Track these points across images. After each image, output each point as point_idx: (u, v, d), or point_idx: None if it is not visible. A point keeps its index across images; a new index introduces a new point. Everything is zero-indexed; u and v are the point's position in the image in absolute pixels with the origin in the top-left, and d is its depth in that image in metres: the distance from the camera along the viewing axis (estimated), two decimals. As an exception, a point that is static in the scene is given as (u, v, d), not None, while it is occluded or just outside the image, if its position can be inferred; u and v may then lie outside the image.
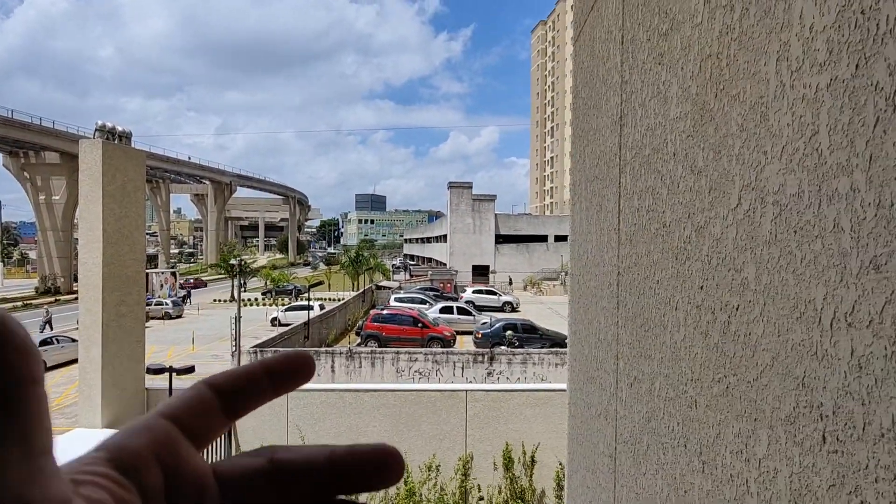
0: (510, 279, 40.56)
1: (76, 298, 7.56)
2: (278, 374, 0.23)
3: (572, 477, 1.64)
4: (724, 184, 0.63)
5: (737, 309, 0.61)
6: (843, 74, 0.43)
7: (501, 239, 44.92)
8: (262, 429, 7.49)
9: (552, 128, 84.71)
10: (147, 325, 7.99)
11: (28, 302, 37.73)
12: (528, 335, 19.17)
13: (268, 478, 0.22)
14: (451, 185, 45.24)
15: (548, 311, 29.36)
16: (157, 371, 7.95)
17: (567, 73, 76.70)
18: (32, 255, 61.35)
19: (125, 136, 35.60)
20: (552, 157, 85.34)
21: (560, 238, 45.32)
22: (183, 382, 8.05)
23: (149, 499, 0.19)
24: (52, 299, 39.31)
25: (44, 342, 18.52)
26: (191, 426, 0.21)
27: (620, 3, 1.10)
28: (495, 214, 45.16)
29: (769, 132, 0.53)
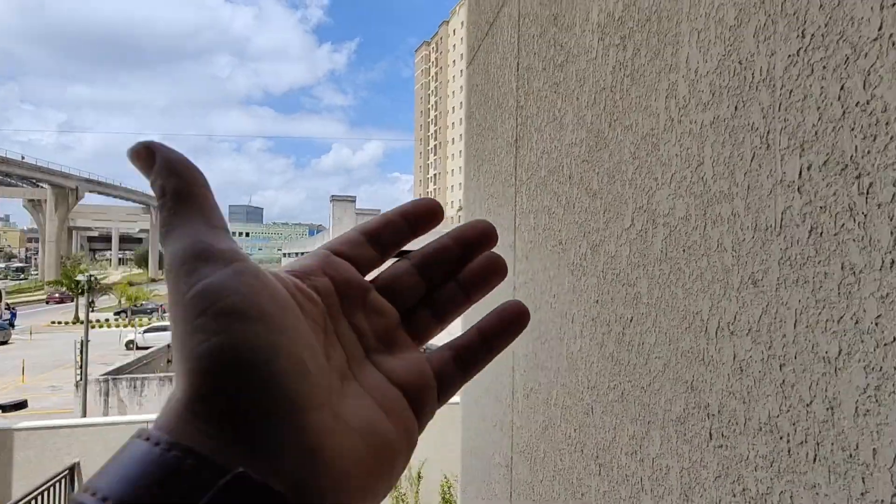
0: None
1: None
2: (411, 216, 0.29)
3: (466, 490, 1.66)
4: (617, 206, 0.69)
5: (630, 320, 0.66)
6: (724, 114, 0.49)
7: (385, 254, 44.81)
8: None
9: (435, 146, 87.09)
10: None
11: None
12: (413, 350, 19.29)
13: (417, 269, 0.29)
14: (334, 199, 44.34)
15: (431, 325, 29.69)
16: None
17: (450, 94, 79.55)
18: None
19: (-65, 128, 29.63)
20: (435, 175, 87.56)
21: (443, 253, 46.37)
22: (11, 420, 6.79)
23: (321, 294, 0.25)
24: None
25: None
26: (346, 254, 0.27)
27: (516, 32, 1.17)
28: (380, 229, 45.04)
29: (659, 161, 0.59)
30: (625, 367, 0.67)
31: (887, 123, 0.34)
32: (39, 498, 5.38)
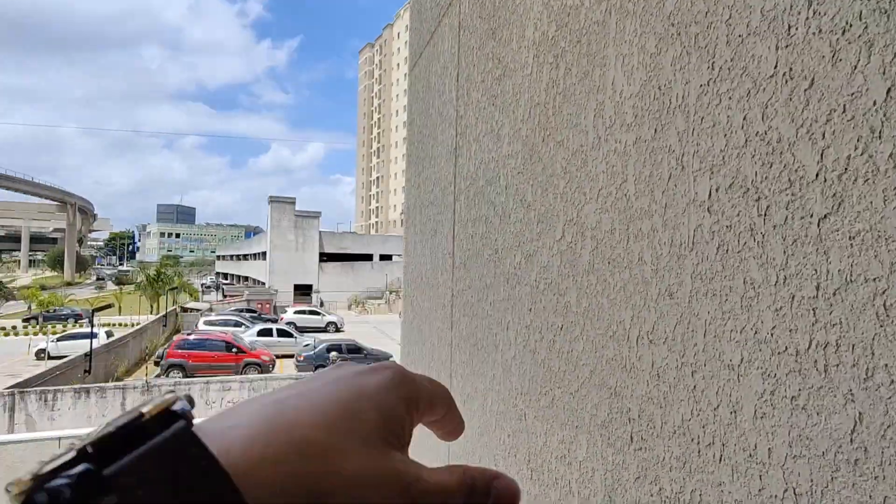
0: (320, 301, 39.52)
1: None
2: None
3: (403, 497, 1.66)
4: (550, 218, 0.72)
5: (561, 329, 0.69)
6: (645, 135, 0.53)
7: (326, 257, 43.96)
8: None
9: (378, 149, 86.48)
10: None
11: None
12: (354, 355, 19.01)
13: None
14: (273, 200, 42.96)
15: (373, 330, 29.48)
16: None
17: (394, 97, 79.33)
18: None
19: None
20: (378, 178, 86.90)
21: (385, 257, 46.12)
22: None
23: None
24: None
25: None
26: None
27: (456, 43, 1.19)
28: (320, 232, 44.09)
29: (588, 176, 0.62)
30: (555, 374, 0.70)
31: (781, 153, 0.38)
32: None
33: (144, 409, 0.19)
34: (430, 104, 1.43)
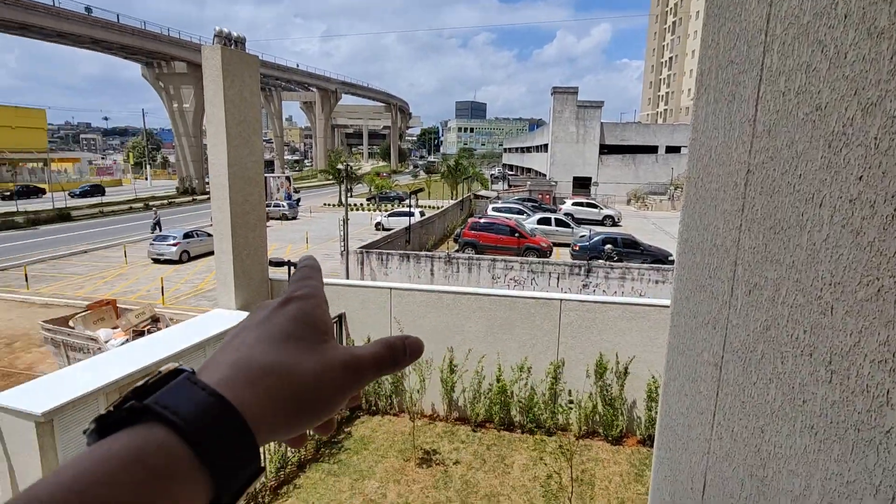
0: (596, 194, 38.26)
1: (209, 198, 8.41)
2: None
3: (669, 385, 1.61)
4: (915, 44, 0.51)
5: (908, 200, 0.51)
6: None
7: (606, 149, 42.28)
8: (368, 321, 8.21)
9: (673, 23, 74.93)
10: (267, 224, 8.79)
11: (172, 200, 42.95)
12: (629, 250, 18.50)
13: None
14: (555, 91, 42.57)
15: (652, 226, 27.96)
16: (278, 264, 8.89)
17: (699, -46, 65.91)
18: (172, 158, 68.41)
19: (240, 42, 36.97)
20: (671, 58, 76.39)
21: (672, 149, 41.67)
22: (299, 276, 8.88)
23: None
24: (190, 199, 44.36)
25: (161, 237, 21.47)
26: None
27: None
28: (601, 123, 42.22)
29: None
30: (888, 259, 0.53)
31: None
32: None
33: (162, 369, 0.30)
34: (743, -70, 1.12)
